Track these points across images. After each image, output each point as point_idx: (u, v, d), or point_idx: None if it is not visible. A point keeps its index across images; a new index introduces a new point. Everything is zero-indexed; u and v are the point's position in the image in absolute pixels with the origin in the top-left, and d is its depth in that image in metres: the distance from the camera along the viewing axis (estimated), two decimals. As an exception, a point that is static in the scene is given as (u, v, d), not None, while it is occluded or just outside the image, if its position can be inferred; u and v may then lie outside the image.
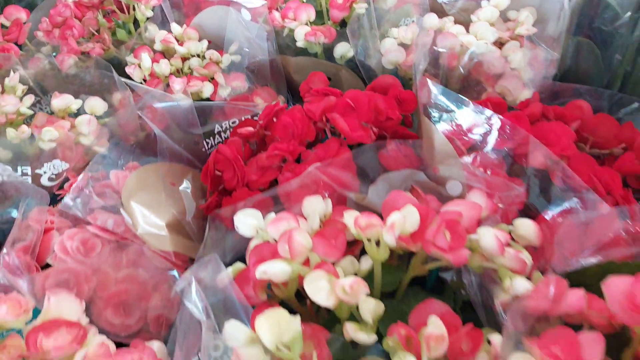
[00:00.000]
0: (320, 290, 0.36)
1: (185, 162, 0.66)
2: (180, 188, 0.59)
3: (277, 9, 0.84)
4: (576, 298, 0.39)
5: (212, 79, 0.76)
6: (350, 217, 0.42)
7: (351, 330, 0.40)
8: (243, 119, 0.70)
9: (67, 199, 0.49)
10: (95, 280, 0.49)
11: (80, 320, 0.40)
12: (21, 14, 0.80)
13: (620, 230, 0.45)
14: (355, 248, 0.53)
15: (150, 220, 0.53)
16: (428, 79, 0.53)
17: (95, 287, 0.49)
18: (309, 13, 0.77)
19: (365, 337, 0.39)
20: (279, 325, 0.35)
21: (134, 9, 0.85)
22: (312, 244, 0.41)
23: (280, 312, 0.35)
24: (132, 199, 0.53)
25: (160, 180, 0.58)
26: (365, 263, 0.47)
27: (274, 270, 0.38)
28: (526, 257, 0.46)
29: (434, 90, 0.53)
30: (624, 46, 0.74)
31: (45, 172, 0.58)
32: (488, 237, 0.43)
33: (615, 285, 0.36)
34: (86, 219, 0.49)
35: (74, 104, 0.66)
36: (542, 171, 0.54)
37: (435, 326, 0.36)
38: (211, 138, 0.69)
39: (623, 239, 0.47)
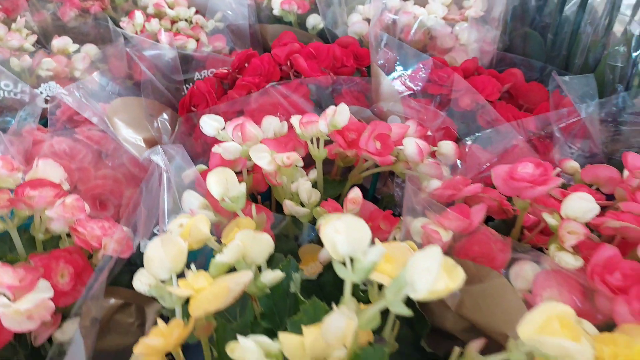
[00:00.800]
0: (264, 158, 0.44)
1: (165, 103, 0.73)
2: (159, 118, 0.66)
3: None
4: (474, 187, 0.46)
5: (198, 40, 0.84)
6: (296, 119, 0.50)
7: (289, 205, 0.47)
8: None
9: (61, 92, 0.55)
10: (77, 175, 0.55)
11: (62, 185, 0.46)
12: (31, -26, 0.88)
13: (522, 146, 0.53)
14: (307, 170, 0.60)
15: (130, 133, 0.59)
16: (376, 29, 0.62)
17: (76, 181, 0.56)
18: (285, -13, 0.86)
19: (301, 210, 0.46)
20: (226, 182, 0.41)
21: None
22: (262, 137, 0.48)
23: (228, 172, 0.42)
24: (115, 116, 0.60)
25: (142, 110, 0.65)
26: (312, 174, 0.54)
27: (227, 146, 0.45)
28: (444, 168, 0.53)
29: (383, 37, 0.61)
30: (558, 33, 0.84)
31: (41, 93, 0.64)
32: (410, 145, 0.51)
33: (500, 169, 0.43)
34: (77, 110, 0.55)
35: (72, 46, 0.73)
36: (469, 112, 0.62)
37: (354, 193, 0.43)
38: (191, 85, 0.77)
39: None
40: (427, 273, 0.24)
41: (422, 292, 0.24)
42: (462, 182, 0.46)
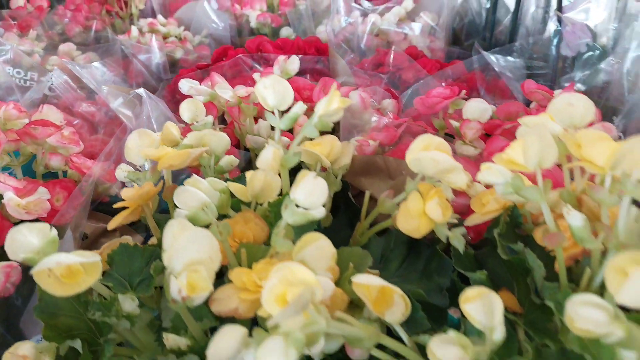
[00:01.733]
0: (227, 93, 0.53)
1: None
2: (149, 102, 0.76)
3: (238, 2, 1.06)
4: (403, 119, 0.55)
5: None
6: (257, 75, 0.59)
7: (250, 138, 0.55)
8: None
9: (65, 61, 0.65)
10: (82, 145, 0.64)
11: (62, 127, 0.55)
12: (43, 2, 1.02)
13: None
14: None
15: (120, 104, 0.69)
16: (334, 22, 0.73)
17: (74, 141, 0.64)
18: (262, 5, 1.00)
19: (260, 139, 0.55)
20: (195, 109, 0.50)
21: (128, 6, 1.07)
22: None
23: (197, 102, 0.51)
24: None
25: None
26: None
27: (199, 88, 0.54)
28: (385, 118, 0.62)
29: (338, 28, 0.73)
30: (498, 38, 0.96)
31: (47, 81, 0.74)
32: (354, 96, 0.60)
33: (419, 97, 0.53)
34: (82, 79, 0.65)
35: (75, 52, 0.85)
36: (412, 85, 0.73)
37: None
38: (178, 83, 0.87)
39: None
40: (324, 100, 0.33)
41: (320, 110, 0.33)
42: (395, 118, 0.56)
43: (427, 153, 0.33)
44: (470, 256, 0.35)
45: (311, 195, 0.30)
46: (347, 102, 0.33)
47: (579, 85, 0.67)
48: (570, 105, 0.34)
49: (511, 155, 0.30)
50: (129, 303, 0.32)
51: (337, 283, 0.33)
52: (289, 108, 0.37)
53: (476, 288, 0.25)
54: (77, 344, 0.34)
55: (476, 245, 0.40)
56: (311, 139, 0.39)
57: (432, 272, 0.38)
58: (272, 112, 0.36)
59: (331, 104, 0.32)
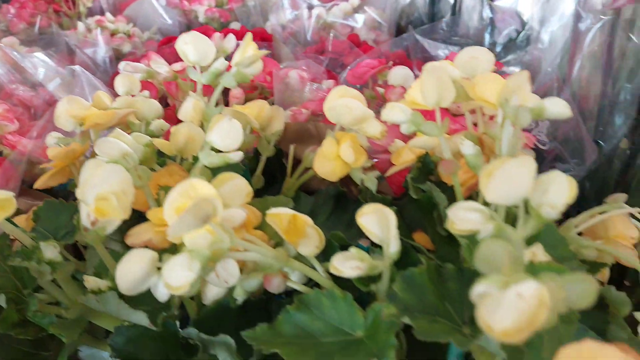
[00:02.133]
0: (162, 67, 0.54)
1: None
2: (93, 93, 0.77)
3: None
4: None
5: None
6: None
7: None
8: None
9: (14, 53, 0.65)
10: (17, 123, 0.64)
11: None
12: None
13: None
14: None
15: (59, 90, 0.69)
16: (278, 13, 0.76)
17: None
18: (210, 0, 1.02)
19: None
20: (130, 83, 0.52)
21: (76, 5, 1.08)
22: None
23: (132, 77, 0.52)
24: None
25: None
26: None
27: (135, 65, 0.56)
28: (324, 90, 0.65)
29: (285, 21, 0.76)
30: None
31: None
32: (293, 75, 0.63)
33: (350, 70, 0.55)
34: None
35: (19, 47, 0.85)
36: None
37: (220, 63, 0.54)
38: (125, 75, 0.88)
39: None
40: (239, 49, 0.35)
41: (237, 58, 0.35)
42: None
43: (341, 100, 0.35)
44: (387, 200, 0.38)
45: (227, 137, 0.32)
46: (262, 53, 0.36)
47: (511, 69, 0.72)
48: (474, 58, 0.37)
49: (412, 95, 0.33)
50: (50, 250, 0.33)
51: (260, 227, 0.35)
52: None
53: (372, 204, 0.27)
54: (2, 300, 0.35)
55: (399, 199, 0.43)
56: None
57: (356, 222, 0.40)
58: (194, 67, 0.37)
59: (246, 51, 0.34)
